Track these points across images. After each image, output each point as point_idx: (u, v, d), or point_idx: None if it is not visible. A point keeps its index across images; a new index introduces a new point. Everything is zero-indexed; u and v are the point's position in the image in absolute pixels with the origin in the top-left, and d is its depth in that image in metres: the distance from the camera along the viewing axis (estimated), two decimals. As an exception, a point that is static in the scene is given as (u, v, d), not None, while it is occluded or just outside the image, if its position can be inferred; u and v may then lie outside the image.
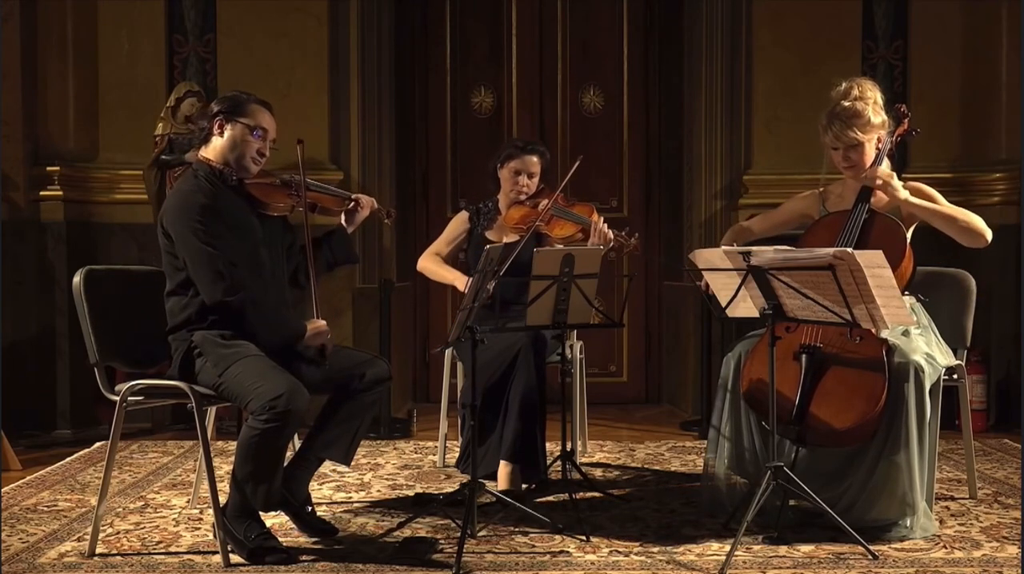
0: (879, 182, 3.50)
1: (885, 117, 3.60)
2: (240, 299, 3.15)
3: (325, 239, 3.53)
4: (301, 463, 3.34)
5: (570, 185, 4.35)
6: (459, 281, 4.23)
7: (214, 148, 3.31)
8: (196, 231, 3.15)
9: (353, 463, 4.04)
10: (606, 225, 4.07)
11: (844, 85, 3.60)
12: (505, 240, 4.09)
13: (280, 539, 3.23)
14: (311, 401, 3.12)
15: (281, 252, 3.40)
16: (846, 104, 3.55)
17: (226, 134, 3.29)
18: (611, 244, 4.04)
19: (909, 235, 3.54)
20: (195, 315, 3.22)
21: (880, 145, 3.59)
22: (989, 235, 3.52)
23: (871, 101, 3.57)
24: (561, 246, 3.98)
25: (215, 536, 3.28)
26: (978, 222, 3.52)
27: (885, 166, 3.59)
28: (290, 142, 3.46)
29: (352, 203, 3.55)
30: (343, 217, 3.55)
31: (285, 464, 3.28)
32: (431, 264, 4.39)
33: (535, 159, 4.28)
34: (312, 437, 3.36)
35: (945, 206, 3.56)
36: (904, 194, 3.51)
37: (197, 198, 3.21)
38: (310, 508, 3.37)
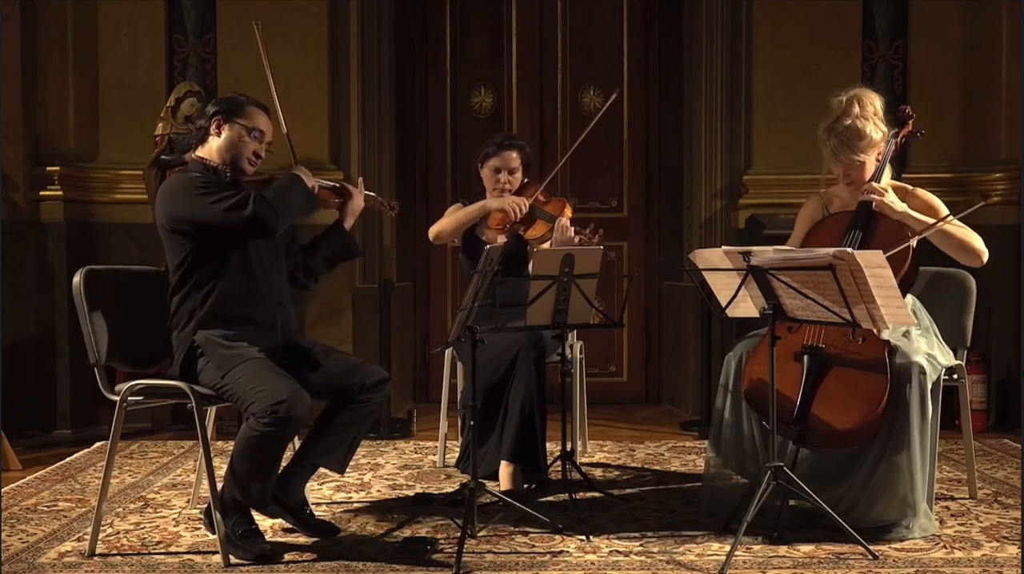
0: (875, 197, 3.44)
1: (885, 129, 3.54)
2: (256, 207, 3.15)
3: (324, 236, 3.53)
4: (297, 469, 3.34)
5: (551, 182, 4.33)
6: (487, 203, 4.16)
7: (210, 148, 3.32)
8: (198, 193, 3.18)
9: (353, 463, 4.04)
10: (567, 223, 4.01)
11: (844, 99, 3.52)
12: (487, 241, 4.06)
13: (281, 539, 3.23)
14: (311, 406, 3.12)
15: (280, 249, 3.40)
16: (847, 123, 3.47)
17: (223, 135, 3.31)
18: (576, 242, 3.98)
19: (915, 241, 3.44)
20: (197, 312, 3.22)
21: (880, 157, 3.55)
22: (985, 256, 3.48)
23: (872, 115, 3.51)
24: (535, 248, 3.96)
25: (203, 525, 3.29)
26: (975, 241, 3.48)
27: (887, 174, 3.57)
28: (286, 142, 3.46)
29: (345, 192, 3.54)
30: (341, 212, 3.55)
31: (284, 465, 3.28)
32: (445, 220, 4.25)
33: (514, 154, 4.23)
34: (310, 442, 3.35)
35: (944, 223, 3.43)
36: (901, 207, 3.46)
37: (189, 175, 3.26)
38: (308, 510, 3.37)
